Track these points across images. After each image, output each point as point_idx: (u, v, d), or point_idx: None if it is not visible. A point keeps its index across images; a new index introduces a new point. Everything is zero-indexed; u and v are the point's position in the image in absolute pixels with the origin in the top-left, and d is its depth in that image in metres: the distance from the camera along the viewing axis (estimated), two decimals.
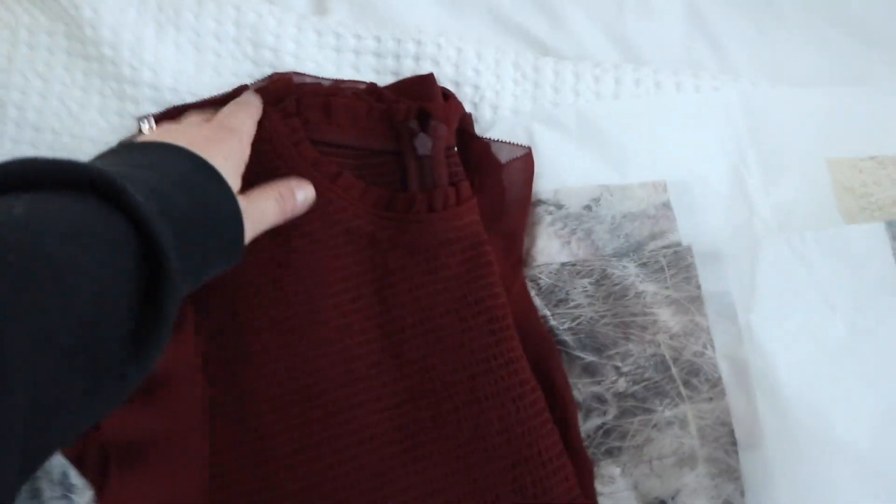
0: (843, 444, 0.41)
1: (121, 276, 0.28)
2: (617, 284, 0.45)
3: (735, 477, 0.42)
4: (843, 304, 0.44)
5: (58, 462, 0.44)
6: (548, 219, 0.47)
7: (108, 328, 0.27)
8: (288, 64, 0.51)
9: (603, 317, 0.45)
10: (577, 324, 0.45)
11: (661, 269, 0.46)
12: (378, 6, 0.55)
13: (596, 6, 0.56)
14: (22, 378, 0.23)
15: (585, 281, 0.46)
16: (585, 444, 0.43)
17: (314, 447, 0.41)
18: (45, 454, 0.26)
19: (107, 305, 0.27)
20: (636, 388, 0.44)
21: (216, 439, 0.42)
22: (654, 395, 0.43)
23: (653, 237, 0.47)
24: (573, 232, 0.47)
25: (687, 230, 0.47)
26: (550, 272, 0.46)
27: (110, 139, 0.51)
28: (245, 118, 0.43)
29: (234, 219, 0.36)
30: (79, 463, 0.43)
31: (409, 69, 0.51)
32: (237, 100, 0.45)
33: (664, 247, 0.46)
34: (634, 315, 0.45)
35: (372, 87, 0.49)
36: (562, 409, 0.43)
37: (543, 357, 0.44)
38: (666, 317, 0.45)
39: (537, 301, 0.45)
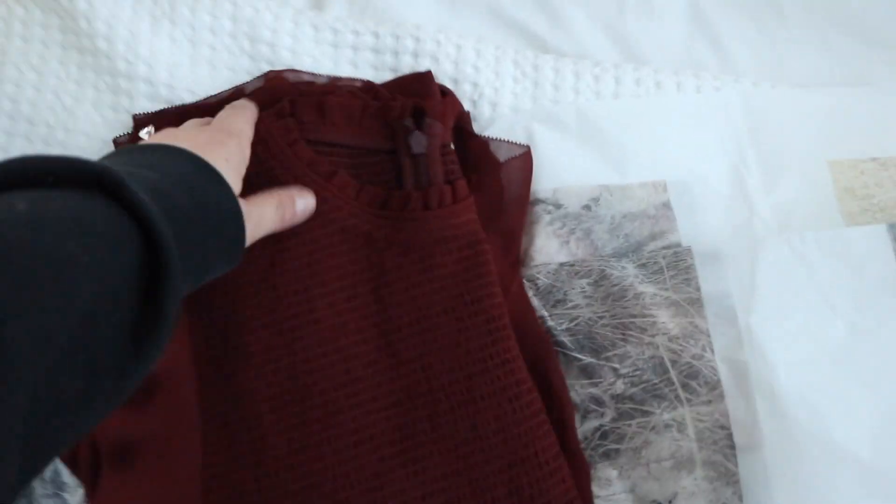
0: (843, 447, 0.41)
1: (122, 275, 0.27)
2: (616, 285, 0.45)
3: (733, 480, 0.41)
4: (844, 305, 0.44)
5: None
6: (546, 218, 0.47)
7: (109, 327, 0.27)
8: (284, 59, 0.51)
9: (601, 318, 0.45)
10: (575, 324, 0.45)
11: (661, 271, 0.45)
12: (376, 3, 0.55)
13: (596, 5, 0.56)
14: (23, 377, 0.23)
15: (584, 281, 0.45)
16: (582, 445, 0.43)
17: (314, 447, 0.41)
18: (48, 455, 0.26)
19: (108, 304, 0.27)
20: (634, 390, 0.43)
21: (212, 440, 0.42)
22: (652, 398, 0.43)
23: (652, 237, 0.46)
24: (572, 232, 0.46)
25: (687, 230, 0.46)
26: (549, 272, 0.46)
27: (104, 133, 0.51)
28: (243, 121, 0.43)
29: (235, 220, 0.36)
30: (71, 462, 0.43)
31: (407, 66, 0.51)
32: (234, 104, 0.45)
33: (664, 247, 0.46)
34: (633, 316, 0.44)
35: (368, 85, 0.49)
36: (559, 411, 0.43)
37: (541, 358, 0.43)
38: (665, 318, 0.44)
39: (535, 301, 0.45)
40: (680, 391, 0.43)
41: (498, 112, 0.50)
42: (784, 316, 0.44)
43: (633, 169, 0.48)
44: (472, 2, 0.56)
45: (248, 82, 0.50)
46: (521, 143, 0.48)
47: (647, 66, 0.52)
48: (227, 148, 0.39)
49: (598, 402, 0.43)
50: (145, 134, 0.46)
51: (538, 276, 0.46)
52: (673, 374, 0.43)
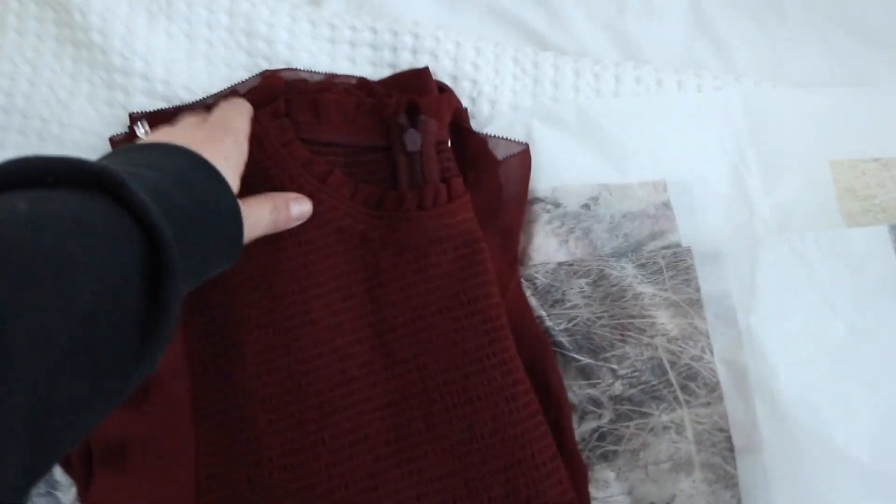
0: (843, 449, 0.40)
1: (123, 275, 0.28)
2: (615, 285, 0.45)
3: (732, 483, 0.41)
4: (844, 305, 0.44)
5: None
6: (545, 217, 0.46)
7: (110, 327, 0.27)
8: (281, 55, 0.50)
9: (600, 318, 0.44)
10: (574, 325, 0.44)
11: (660, 271, 0.45)
12: None
13: (597, 4, 0.56)
14: (23, 377, 0.23)
15: (582, 281, 0.45)
16: (580, 447, 0.42)
17: (310, 447, 0.41)
18: (52, 455, 0.26)
19: (109, 304, 0.27)
20: (632, 391, 0.43)
21: (208, 440, 0.42)
22: (650, 399, 0.43)
23: (652, 237, 0.46)
24: (571, 231, 0.46)
25: (687, 230, 0.46)
26: (547, 271, 0.45)
27: (99, 128, 0.50)
28: (240, 118, 0.43)
29: (234, 218, 0.36)
30: (63, 460, 0.43)
31: (406, 62, 0.50)
32: (230, 101, 0.45)
33: (663, 247, 0.46)
34: (632, 317, 0.44)
35: (363, 82, 0.48)
36: (556, 412, 0.42)
37: (538, 358, 0.43)
38: (664, 319, 0.44)
39: (533, 301, 0.45)
40: (679, 393, 0.43)
41: (497, 110, 0.50)
42: (784, 317, 0.44)
43: (633, 168, 0.48)
44: None
45: (244, 81, 0.49)
46: (520, 141, 0.48)
47: (647, 65, 0.51)
48: (225, 145, 0.39)
49: (596, 403, 0.43)
50: (141, 131, 0.46)
51: (536, 275, 0.45)
52: (672, 375, 0.43)
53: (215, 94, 0.49)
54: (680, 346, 0.44)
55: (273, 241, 0.43)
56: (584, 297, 0.45)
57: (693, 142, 0.49)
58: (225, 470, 0.41)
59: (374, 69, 0.50)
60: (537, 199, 0.47)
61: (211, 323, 0.43)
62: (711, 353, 0.44)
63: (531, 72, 0.51)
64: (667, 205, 0.47)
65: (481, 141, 0.47)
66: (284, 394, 0.41)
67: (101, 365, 0.27)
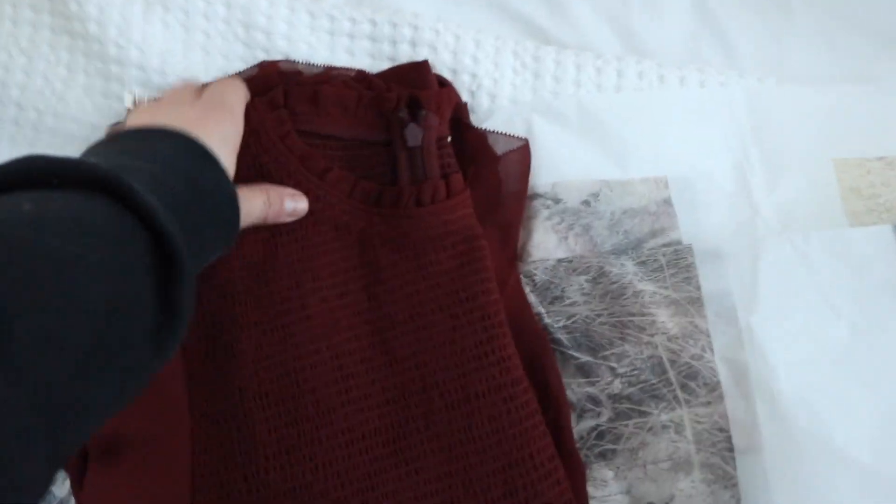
0: (844, 450, 0.40)
1: (132, 276, 0.28)
2: (614, 283, 0.44)
3: (732, 483, 0.41)
4: (846, 306, 0.43)
5: None
6: (545, 213, 0.46)
7: (123, 327, 0.27)
8: (280, 46, 0.50)
9: (599, 316, 0.44)
10: (573, 322, 0.44)
11: (661, 268, 0.45)
12: None
13: None
14: (32, 376, 0.23)
15: (582, 278, 0.45)
16: (578, 445, 0.42)
17: (305, 446, 0.40)
18: (69, 448, 0.26)
19: (119, 304, 0.27)
20: (632, 390, 0.43)
21: (202, 438, 0.41)
22: (649, 398, 0.42)
23: (653, 234, 0.46)
24: (571, 227, 0.46)
25: (688, 227, 0.46)
26: (546, 268, 0.45)
27: (95, 119, 0.50)
28: (235, 95, 0.43)
29: (231, 204, 0.36)
30: None
31: (405, 55, 0.50)
32: (224, 79, 0.45)
33: (664, 245, 0.45)
34: (632, 315, 0.44)
35: (361, 75, 0.48)
36: (555, 410, 0.42)
37: (537, 355, 0.43)
38: (664, 318, 0.44)
39: (532, 297, 0.44)
40: (678, 392, 0.42)
41: (497, 104, 0.49)
42: (785, 316, 0.43)
43: (635, 164, 0.47)
44: None
45: (241, 71, 0.49)
46: (520, 137, 0.47)
47: (650, 60, 0.51)
48: (221, 125, 0.39)
49: (594, 401, 0.43)
50: (129, 101, 0.46)
51: (535, 271, 0.45)
52: (671, 374, 0.43)
53: None
54: (680, 345, 0.43)
55: (270, 237, 0.43)
56: (584, 294, 0.44)
57: (695, 138, 0.48)
58: (220, 468, 0.41)
59: (372, 61, 0.50)
60: (537, 195, 0.46)
61: (207, 321, 0.43)
62: (712, 351, 0.43)
63: (532, 66, 0.50)
64: (668, 202, 0.46)
65: (481, 136, 0.47)
66: (280, 391, 0.41)
67: (115, 364, 0.27)
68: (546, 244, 0.45)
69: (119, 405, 0.29)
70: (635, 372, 0.43)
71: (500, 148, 0.47)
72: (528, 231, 0.46)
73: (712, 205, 0.47)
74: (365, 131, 0.45)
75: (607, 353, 0.43)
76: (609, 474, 0.42)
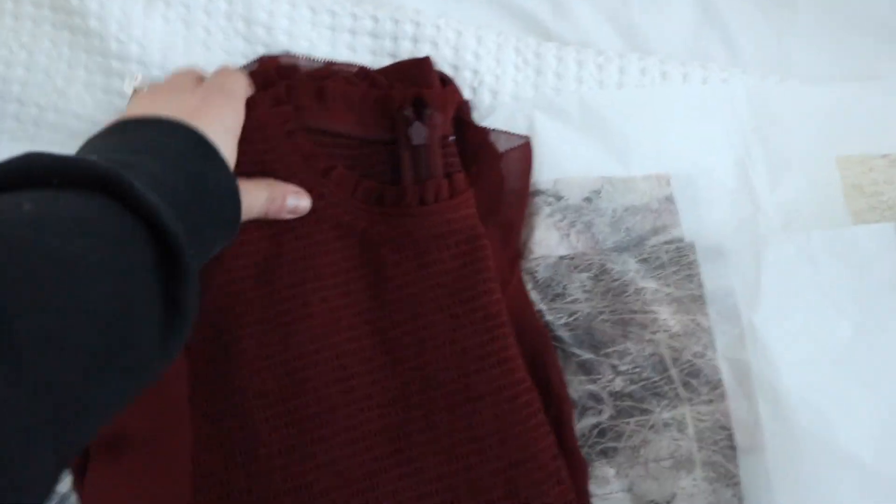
0: (846, 450, 0.40)
1: (135, 276, 0.28)
2: (616, 280, 0.44)
3: (734, 482, 0.41)
4: (849, 305, 0.43)
5: None
6: (546, 210, 0.46)
7: (127, 327, 0.27)
8: (281, 42, 0.49)
9: (601, 313, 0.44)
10: (574, 319, 0.44)
11: (663, 266, 0.44)
12: None
13: None
14: (32, 376, 0.23)
15: (584, 275, 0.44)
16: (579, 443, 0.42)
17: (307, 445, 0.40)
18: (76, 446, 0.26)
19: (123, 304, 0.27)
20: (633, 387, 0.42)
21: (204, 437, 0.41)
22: (651, 396, 0.42)
23: (655, 232, 0.45)
24: (572, 224, 0.46)
25: (690, 225, 0.46)
26: (548, 265, 0.45)
27: (96, 115, 0.50)
28: (237, 82, 0.43)
29: (232, 198, 0.36)
30: None
31: (406, 51, 0.49)
32: (226, 68, 0.44)
33: (666, 242, 0.45)
34: (634, 312, 0.44)
35: (363, 71, 0.48)
36: (556, 408, 0.42)
37: (539, 353, 0.43)
38: (666, 315, 0.43)
39: (533, 294, 0.44)
40: (680, 390, 0.42)
41: (499, 100, 0.49)
42: (788, 315, 0.43)
43: (637, 161, 0.47)
44: None
45: (242, 66, 0.49)
46: (521, 135, 0.47)
47: (652, 56, 0.51)
48: (222, 114, 0.39)
49: (596, 399, 0.43)
50: (129, 86, 0.45)
51: (537, 268, 0.45)
52: (673, 372, 0.43)
53: None
54: (682, 343, 0.43)
55: (272, 236, 0.43)
56: (585, 291, 0.44)
57: (698, 135, 0.48)
58: (222, 468, 0.40)
59: (374, 58, 0.50)
60: (539, 192, 0.46)
61: (209, 320, 0.42)
62: (714, 350, 0.43)
63: (533, 62, 0.50)
64: (670, 199, 0.46)
65: (482, 134, 0.47)
66: (281, 391, 0.41)
67: (119, 364, 0.27)
68: (548, 241, 0.45)
69: (123, 404, 0.28)
70: (637, 369, 0.43)
71: (501, 146, 0.47)
72: (529, 228, 0.46)
73: (714, 202, 0.46)
74: (368, 129, 0.45)
75: (609, 350, 0.43)
76: (610, 472, 0.42)
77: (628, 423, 0.42)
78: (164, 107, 0.37)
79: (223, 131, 0.38)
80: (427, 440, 0.40)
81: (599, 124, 0.48)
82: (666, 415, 0.42)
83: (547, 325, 0.44)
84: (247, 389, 0.41)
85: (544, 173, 0.47)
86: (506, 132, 0.47)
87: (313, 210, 0.43)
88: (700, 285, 0.44)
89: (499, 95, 0.49)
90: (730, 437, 0.41)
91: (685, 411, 0.42)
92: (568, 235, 0.45)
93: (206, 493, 0.40)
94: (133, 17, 0.50)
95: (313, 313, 0.42)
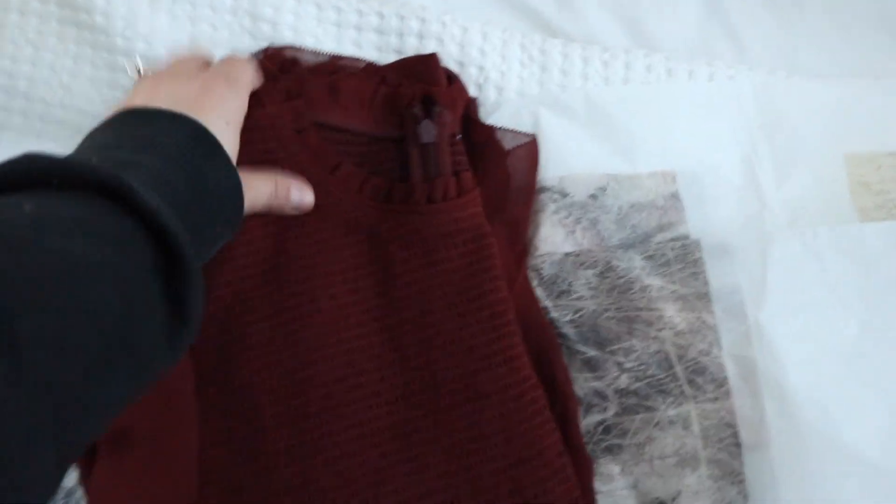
0: (852, 449, 0.40)
1: (138, 277, 0.28)
2: (622, 277, 0.44)
3: (739, 480, 0.41)
4: (856, 303, 0.43)
5: None
6: (552, 207, 0.46)
7: (128, 327, 0.27)
8: (286, 38, 0.49)
9: (606, 310, 0.44)
10: (580, 316, 0.44)
11: (668, 263, 0.44)
12: None
13: None
14: (33, 376, 0.23)
15: (589, 272, 0.44)
16: (584, 440, 0.42)
17: (313, 441, 0.40)
18: (79, 445, 0.26)
19: (125, 304, 0.27)
20: (638, 385, 0.42)
21: (210, 432, 0.41)
22: (656, 393, 0.42)
23: (660, 229, 0.45)
24: (578, 221, 0.45)
25: (696, 222, 0.46)
26: (553, 262, 0.45)
27: (101, 111, 0.49)
28: (243, 70, 0.41)
29: (235, 194, 0.36)
30: None
31: (412, 48, 0.49)
32: (234, 56, 0.43)
33: (672, 239, 0.45)
34: (639, 310, 0.44)
35: (372, 68, 0.47)
36: (562, 405, 0.42)
37: (544, 350, 0.43)
38: (672, 313, 0.43)
39: (538, 291, 0.44)
40: (685, 387, 0.42)
41: (504, 97, 0.49)
42: (794, 313, 0.43)
43: (642, 158, 0.47)
44: None
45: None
46: (527, 133, 0.47)
47: (658, 53, 0.50)
48: (225, 104, 0.38)
49: (601, 396, 0.43)
50: (132, 71, 0.44)
51: (542, 265, 0.45)
52: (679, 369, 0.43)
53: None
54: (687, 340, 0.43)
55: (279, 232, 0.43)
56: (591, 288, 0.44)
57: (703, 132, 0.48)
58: (228, 464, 0.40)
59: (379, 54, 0.50)
60: (544, 189, 0.46)
61: (217, 316, 0.42)
62: (719, 347, 0.43)
63: (539, 59, 0.50)
64: (676, 196, 0.46)
65: (489, 131, 0.47)
66: (289, 386, 0.41)
67: (122, 364, 0.27)
68: (553, 238, 0.45)
69: (126, 404, 0.28)
70: (642, 367, 0.43)
71: (507, 143, 0.47)
72: (535, 225, 0.46)
73: (720, 199, 0.46)
74: (377, 126, 0.45)
75: (614, 347, 0.43)
76: (615, 469, 0.42)
77: (633, 421, 0.42)
78: (167, 95, 0.36)
79: (225, 123, 0.37)
80: (432, 437, 0.40)
81: (605, 121, 0.48)
82: (671, 412, 0.42)
83: (552, 322, 0.44)
84: (253, 386, 0.41)
85: (550, 170, 0.47)
86: (512, 130, 0.47)
87: (320, 207, 0.43)
88: (706, 283, 0.44)
89: (504, 92, 0.49)
90: (735, 434, 0.41)
91: (690, 409, 0.42)
92: (573, 232, 0.45)
93: (211, 489, 0.40)
94: (139, 14, 0.50)
95: (321, 309, 0.42)
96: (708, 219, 0.46)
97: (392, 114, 0.45)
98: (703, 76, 0.49)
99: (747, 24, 0.53)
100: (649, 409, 0.42)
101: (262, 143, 0.42)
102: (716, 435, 0.41)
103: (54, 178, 0.28)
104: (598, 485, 0.41)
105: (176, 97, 0.36)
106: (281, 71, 0.45)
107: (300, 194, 0.42)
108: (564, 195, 0.46)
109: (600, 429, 0.42)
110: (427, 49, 0.49)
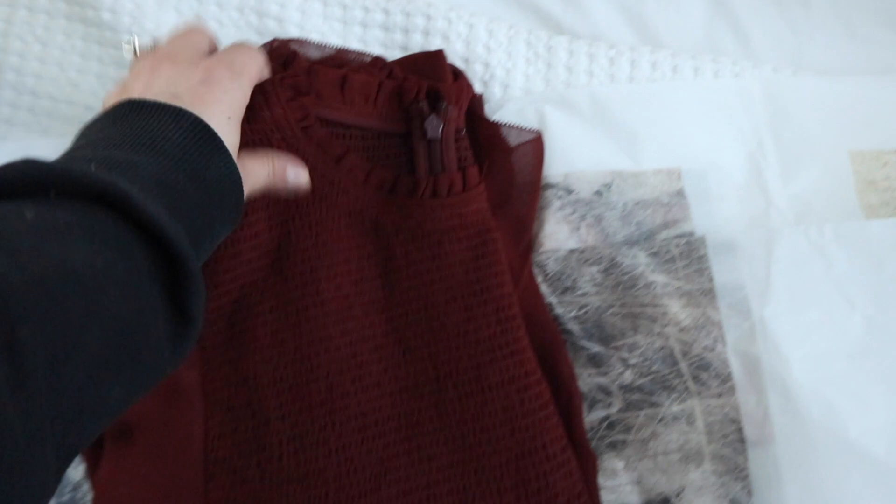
0: (857, 446, 0.40)
1: (140, 282, 0.28)
2: (626, 274, 0.44)
3: (743, 476, 0.41)
4: (861, 299, 0.43)
5: None
6: (557, 203, 0.46)
7: (131, 332, 0.27)
8: (292, 35, 0.50)
9: (611, 306, 0.44)
10: (584, 312, 0.44)
11: (673, 260, 0.44)
12: None
13: None
14: (36, 381, 0.23)
15: (594, 269, 0.44)
16: (588, 436, 0.42)
17: (318, 431, 0.40)
18: (81, 443, 0.26)
19: (129, 309, 0.27)
20: (643, 380, 0.42)
21: (215, 425, 0.41)
22: (661, 389, 0.42)
23: (665, 226, 0.45)
24: (583, 218, 0.45)
25: (701, 219, 0.45)
26: (558, 258, 0.45)
27: None
28: (250, 62, 0.39)
29: (235, 188, 0.35)
30: None
31: (417, 44, 0.49)
32: (242, 43, 0.41)
33: (677, 236, 0.45)
34: (643, 306, 0.44)
35: (380, 62, 0.47)
36: (566, 400, 0.42)
37: (549, 346, 0.43)
38: (676, 309, 0.43)
39: (543, 288, 0.44)
40: (690, 383, 0.42)
41: (509, 94, 0.49)
42: (799, 310, 0.43)
43: (647, 155, 0.47)
44: None
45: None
46: (533, 129, 0.47)
47: (663, 50, 0.50)
48: (227, 95, 0.37)
49: (605, 391, 0.43)
50: (128, 52, 0.42)
51: (547, 262, 0.45)
52: (683, 365, 0.43)
53: None
54: (692, 336, 0.43)
55: (283, 223, 0.43)
56: (596, 284, 0.44)
57: (709, 129, 0.48)
58: (234, 455, 0.41)
59: (385, 51, 0.50)
60: (549, 185, 0.46)
61: (221, 310, 0.43)
62: (724, 343, 0.43)
63: (544, 56, 0.50)
64: (681, 193, 0.46)
65: (494, 128, 0.47)
66: (294, 377, 0.41)
67: (125, 368, 0.27)
68: (558, 234, 0.45)
69: (128, 406, 0.28)
70: (646, 363, 0.43)
71: (512, 140, 0.47)
72: (540, 221, 0.46)
73: (726, 196, 0.46)
74: (384, 121, 0.45)
75: (619, 343, 0.43)
76: (619, 465, 0.42)
77: (637, 416, 0.42)
78: (167, 82, 0.35)
79: (227, 118, 0.36)
80: (437, 429, 0.41)
81: (610, 118, 0.48)
82: (675, 408, 0.42)
83: (557, 318, 0.44)
84: (259, 377, 0.41)
85: (555, 167, 0.47)
86: (517, 126, 0.47)
87: (324, 196, 0.43)
88: (710, 279, 0.44)
89: (509, 89, 0.49)
90: (739, 430, 0.41)
91: (694, 404, 0.42)
92: (578, 229, 0.45)
93: (218, 480, 0.40)
94: (146, 10, 0.50)
95: (326, 300, 0.42)
96: (713, 216, 0.46)
97: (398, 109, 0.45)
98: (709, 73, 0.49)
99: (753, 21, 0.53)
100: (653, 404, 0.42)
101: (266, 145, 0.42)
102: (720, 431, 0.41)
103: (54, 186, 0.28)
104: (602, 480, 0.41)
105: (177, 86, 0.35)
106: (286, 65, 0.45)
107: (296, 174, 0.41)
108: (569, 192, 0.46)
109: (604, 424, 0.42)
110: (432, 46, 0.49)
